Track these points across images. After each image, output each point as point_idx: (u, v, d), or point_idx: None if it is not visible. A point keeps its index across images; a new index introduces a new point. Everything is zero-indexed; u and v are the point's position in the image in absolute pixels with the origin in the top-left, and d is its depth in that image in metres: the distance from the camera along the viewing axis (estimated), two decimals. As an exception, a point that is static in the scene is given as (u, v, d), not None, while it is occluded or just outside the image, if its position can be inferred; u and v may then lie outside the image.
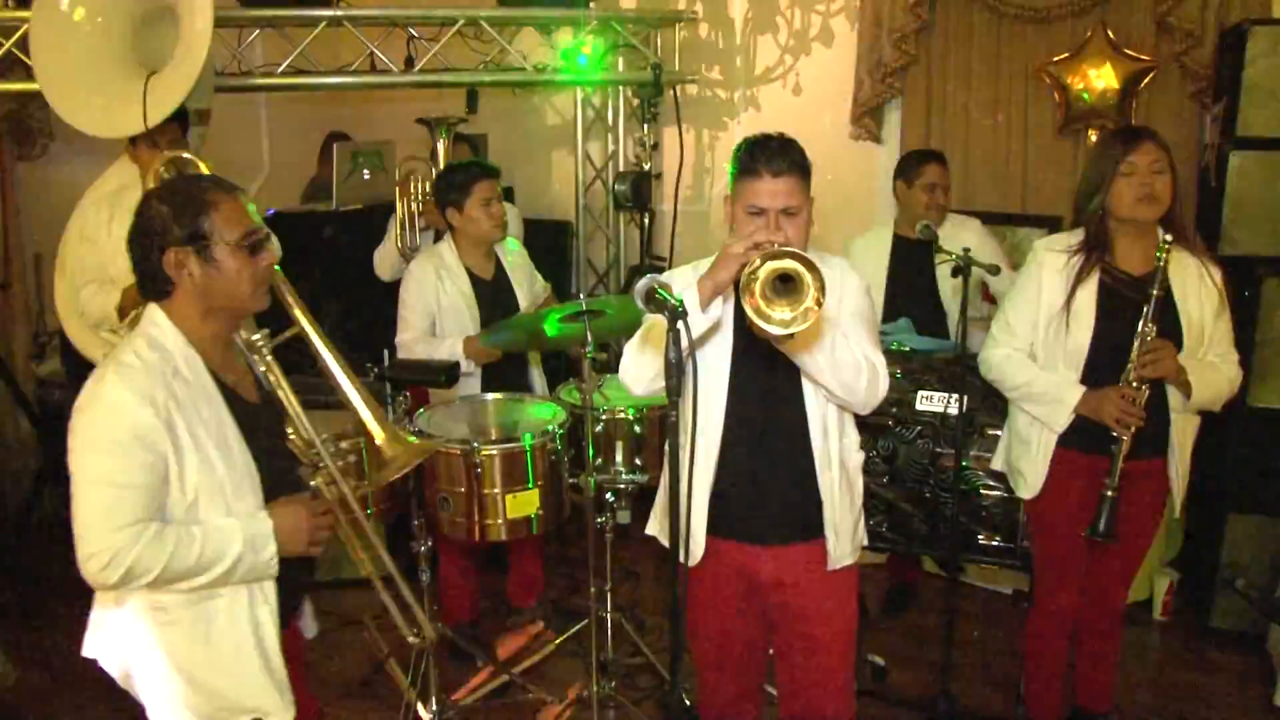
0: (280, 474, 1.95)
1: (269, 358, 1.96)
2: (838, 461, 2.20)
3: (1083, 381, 2.55)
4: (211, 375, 1.85)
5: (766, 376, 2.15)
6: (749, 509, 2.20)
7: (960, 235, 3.54)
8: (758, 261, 1.80)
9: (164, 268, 1.81)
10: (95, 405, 1.73)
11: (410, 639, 2.23)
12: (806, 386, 2.15)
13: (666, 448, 2.37)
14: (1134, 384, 2.45)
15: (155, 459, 1.73)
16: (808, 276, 1.78)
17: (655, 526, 2.43)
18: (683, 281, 2.11)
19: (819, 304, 1.78)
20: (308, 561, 2.02)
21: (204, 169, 2.48)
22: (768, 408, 2.18)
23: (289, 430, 2.00)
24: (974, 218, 3.76)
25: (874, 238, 3.71)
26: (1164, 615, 3.75)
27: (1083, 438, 2.56)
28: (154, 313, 1.85)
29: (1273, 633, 3.43)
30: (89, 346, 3.29)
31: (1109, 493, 2.48)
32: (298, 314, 2.10)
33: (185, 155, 2.77)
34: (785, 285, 1.82)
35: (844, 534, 2.23)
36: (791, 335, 1.83)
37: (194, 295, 1.84)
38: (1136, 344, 2.44)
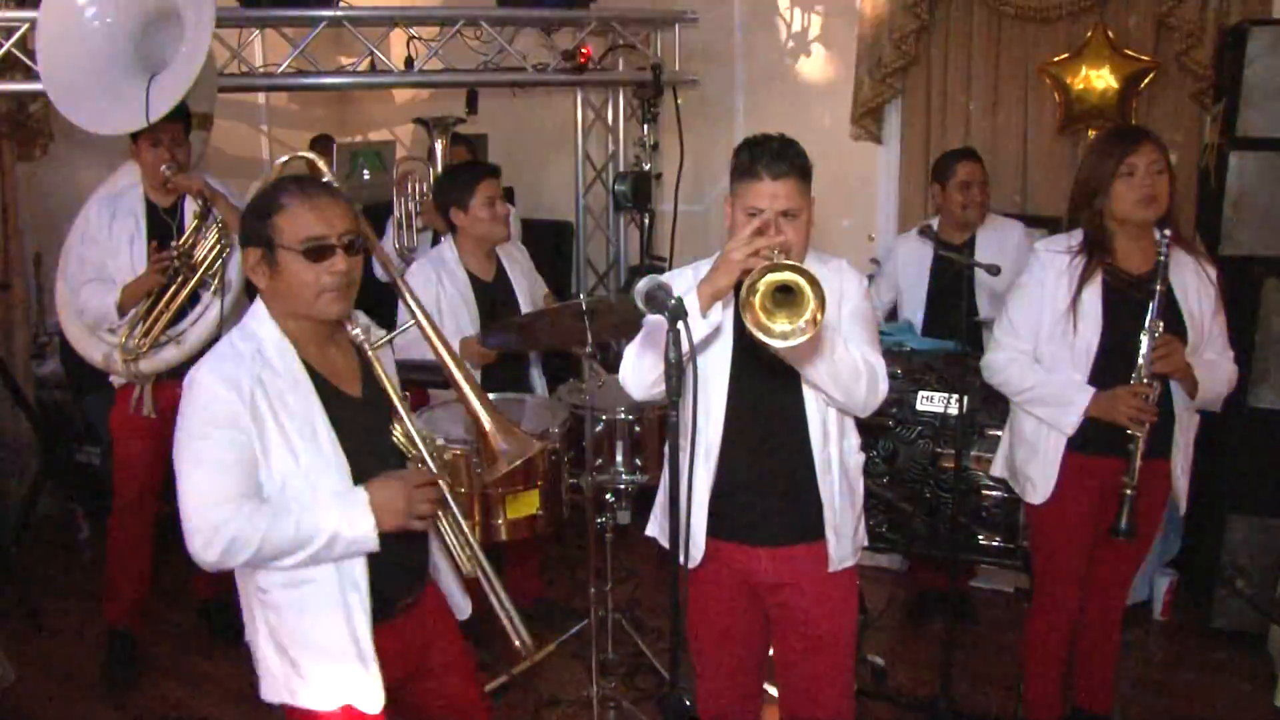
0: (374, 469, 1.92)
1: (371, 352, 1.96)
2: (838, 464, 2.20)
3: (1090, 383, 2.55)
4: (306, 367, 1.87)
5: (766, 379, 2.14)
6: (749, 511, 2.20)
7: (1001, 237, 3.52)
8: (757, 274, 1.79)
9: (244, 265, 1.89)
10: (190, 392, 1.81)
11: (516, 644, 2.15)
12: (806, 389, 2.14)
13: (666, 449, 2.37)
14: (1146, 380, 2.45)
15: (244, 438, 1.78)
16: (808, 290, 1.77)
17: (655, 528, 2.43)
18: (683, 282, 2.10)
19: (817, 320, 1.77)
20: (417, 549, 2.03)
21: (322, 168, 2.31)
22: (767, 410, 2.17)
23: (395, 427, 1.99)
24: (1018, 221, 3.70)
25: (918, 241, 3.60)
26: (1164, 615, 3.75)
27: (1092, 441, 2.55)
28: (257, 303, 1.91)
29: (1273, 633, 3.43)
30: (88, 348, 3.29)
31: (1128, 491, 2.47)
32: (414, 307, 2.18)
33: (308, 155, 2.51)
34: (786, 296, 1.81)
35: (844, 536, 2.23)
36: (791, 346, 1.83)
37: (270, 295, 1.88)
38: (1146, 340, 2.43)
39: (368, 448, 1.93)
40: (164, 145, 3.18)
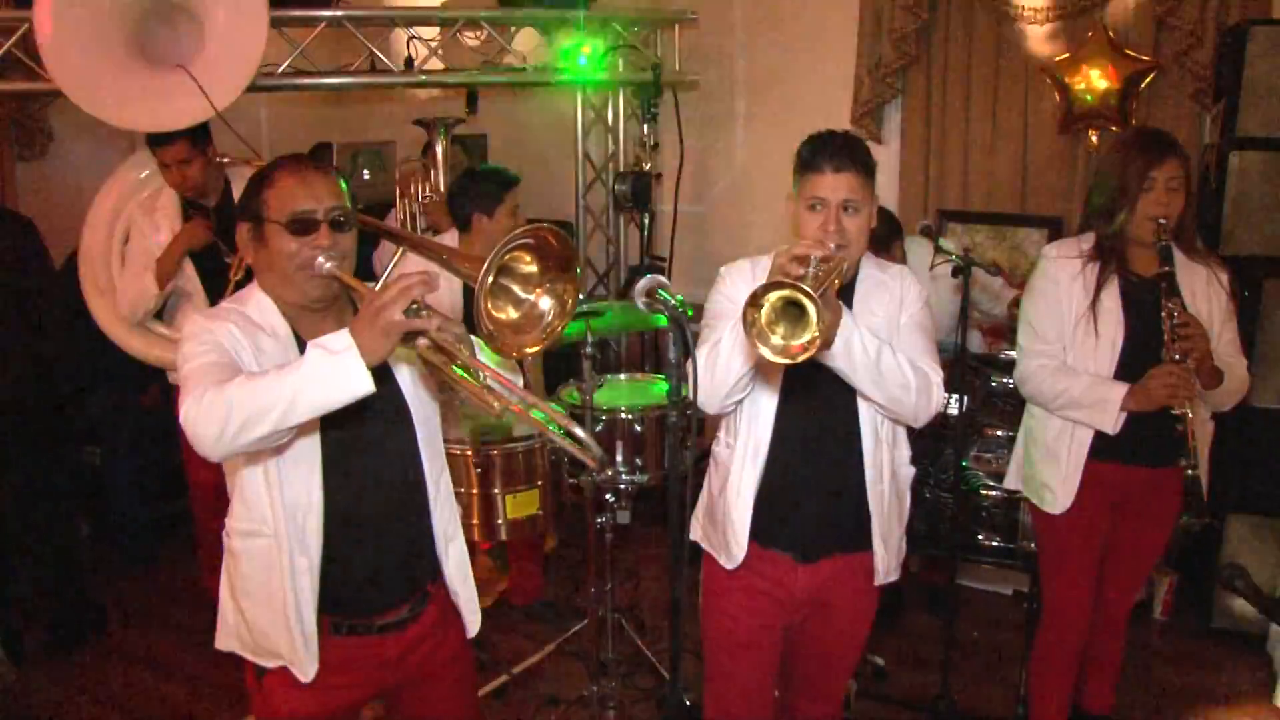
0: (347, 444, 1.85)
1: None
2: (889, 473, 2.16)
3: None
4: (297, 340, 1.83)
5: (819, 383, 2.07)
6: (793, 515, 2.15)
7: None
8: (765, 289, 1.70)
9: (237, 240, 1.88)
10: (182, 343, 1.79)
11: (591, 463, 1.76)
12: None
13: (707, 450, 2.33)
14: (1176, 358, 2.41)
15: (229, 356, 1.75)
16: (813, 316, 1.69)
17: (698, 532, 2.34)
18: (740, 276, 2.13)
19: (811, 346, 1.69)
20: (408, 567, 1.94)
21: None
22: (819, 414, 2.12)
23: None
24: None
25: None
26: (1164, 615, 3.75)
27: (1115, 448, 2.53)
28: (255, 283, 1.91)
29: (1273, 633, 3.43)
30: (162, 352, 3.34)
31: (1190, 472, 2.42)
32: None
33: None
34: (797, 312, 1.72)
35: (891, 548, 2.20)
36: (795, 360, 1.74)
37: (260, 269, 1.87)
38: (1165, 319, 2.41)
39: (343, 425, 1.81)
40: (211, 142, 3.29)
